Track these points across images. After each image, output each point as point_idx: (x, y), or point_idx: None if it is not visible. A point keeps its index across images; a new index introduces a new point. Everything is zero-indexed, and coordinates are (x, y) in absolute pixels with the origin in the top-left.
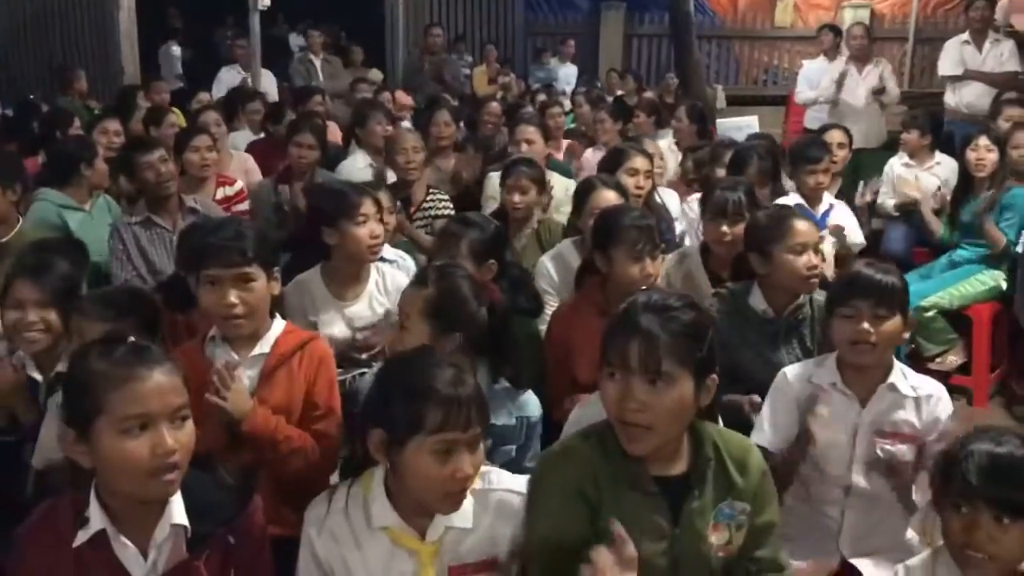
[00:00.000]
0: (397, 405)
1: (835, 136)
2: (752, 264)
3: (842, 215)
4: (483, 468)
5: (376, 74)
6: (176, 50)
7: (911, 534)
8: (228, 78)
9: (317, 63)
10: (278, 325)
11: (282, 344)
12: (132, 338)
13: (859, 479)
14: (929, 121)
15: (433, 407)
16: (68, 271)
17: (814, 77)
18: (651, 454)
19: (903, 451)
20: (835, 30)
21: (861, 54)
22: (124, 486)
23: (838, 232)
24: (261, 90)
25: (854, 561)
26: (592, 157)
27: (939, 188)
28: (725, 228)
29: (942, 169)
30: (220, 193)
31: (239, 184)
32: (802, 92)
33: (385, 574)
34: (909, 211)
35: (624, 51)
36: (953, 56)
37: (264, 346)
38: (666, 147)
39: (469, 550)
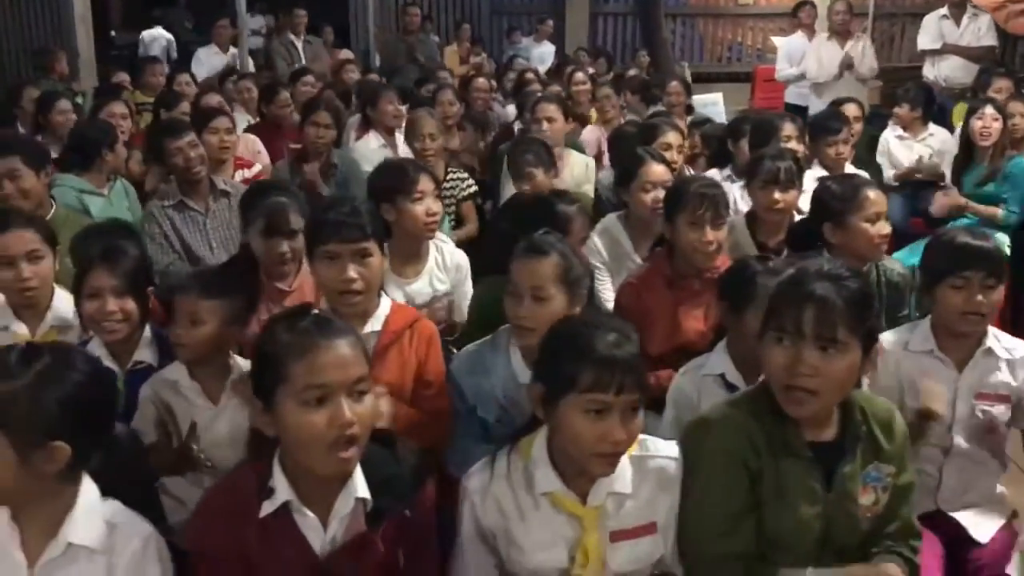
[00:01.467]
0: (556, 362)
1: (851, 110)
2: (824, 233)
3: None
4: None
5: (347, 54)
6: (167, 35)
7: (1001, 488)
8: (207, 59)
9: (299, 44)
10: (386, 303)
11: (392, 322)
12: (317, 310)
13: (959, 440)
14: (921, 93)
15: (588, 366)
16: (139, 256)
17: (795, 53)
18: (806, 420)
19: (1001, 411)
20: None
21: (843, 30)
22: (303, 458)
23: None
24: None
25: (952, 514)
26: (590, 134)
27: (930, 156)
28: (777, 195)
29: (935, 140)
30: (239, 175)
31: (257, 166)
32: (783, 69)
33: (548, 540)
34: (906, 182)
35: (589, 30)
36: (932, 30)
37: (375, 324)
38: None
39: (629, 515)
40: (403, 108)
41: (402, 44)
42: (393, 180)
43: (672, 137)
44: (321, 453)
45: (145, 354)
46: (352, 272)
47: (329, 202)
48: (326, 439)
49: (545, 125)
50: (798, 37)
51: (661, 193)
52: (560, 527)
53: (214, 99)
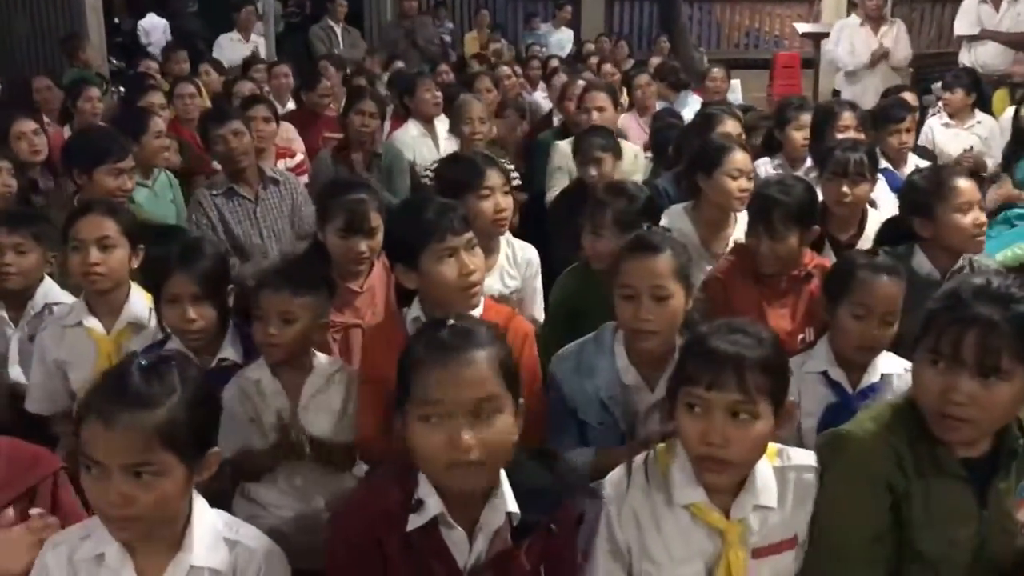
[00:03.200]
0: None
1: (908, 99)
2: (915, 228)
3: None
4: (777, 445)
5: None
6: (163, 21)
7: None
8: (229, 47)
9: (338, 30)
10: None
11: (487, 319)
12: (452, 321)
13: None
14: (970, 78)
15: (689, 359)
16: (216, 256)
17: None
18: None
19: None
20: None
21: (876, 15)
22: (427, 473)
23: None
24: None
25: None
26: (627, 122)
27: (970, 148)
28: (846, 188)
29: (983, 128)
30: (280, 165)
31: (299, 156)
32: (830, 51)
33: (685, 555)
34: None
35: (606, 15)
36: (970, 15)
37: None
38: (690, 112)
39: (772, 529)
40: (439, 95)
41: (400, 30)
42: (460, 174)
43: (731, 126)
44: (439, 471)
45: (229, 352)
46: (471, 264)
47: (417, 202)
48: (443, 459)
49: (595, 115)
50: (853, 19)
51: (745, 181)
52: (699, 541)
53: (246, 87)
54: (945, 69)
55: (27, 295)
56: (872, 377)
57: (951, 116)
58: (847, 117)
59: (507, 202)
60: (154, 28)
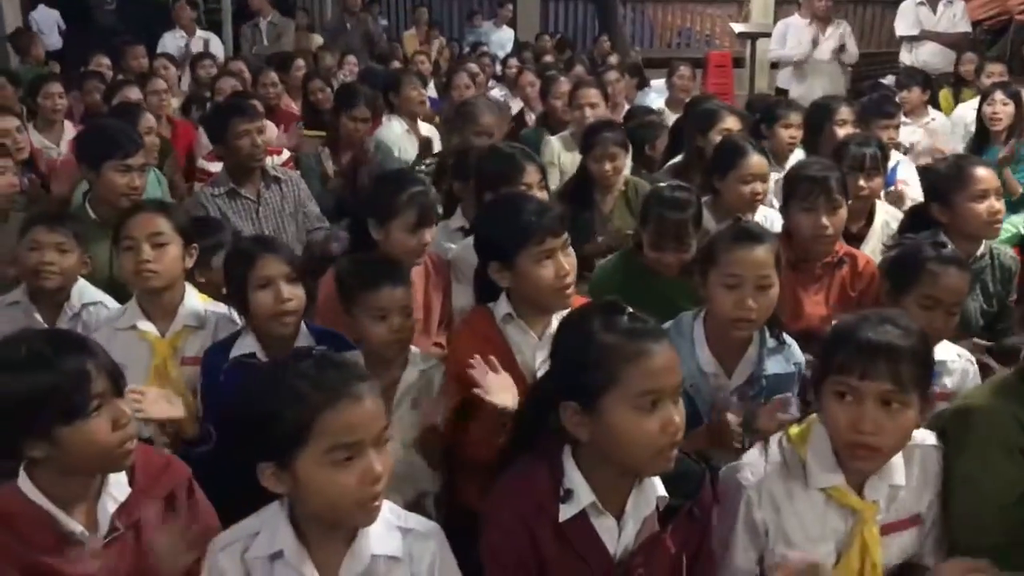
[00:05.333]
0: (824, 348)
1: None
2: (933, 213)
3: (908, 171)
4: None
5: (318, 40)
6: (55, 13)
7: None
8: (173, 44)
9: (263, 24)
10: None
11: None
12: (630, 308)
13: None
14: (922, 78)
15: (839, 348)
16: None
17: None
18: None
19: None
20: None
21: (824, 15)
22: (628, 460)
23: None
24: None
25: None
26: None
27: (917, 141)
28: (863, 182)
29: (936, 125)
30: (268, 162)
31: (286, 154)
32: (772, 49)
33: (819, 534)
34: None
35: (541, 14)
36: (909, 17)
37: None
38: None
39: (900, 507)
40: (424, 93)
41: (349, 26)
42: (500, 167)
43: (732, 122)
44: (650, 458)
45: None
46: (567, 264)
47: (513, 201)
48: (659, 444)
49: (588, 112)
50: (796, 18)
51: (759, 185)
52: (833, 521)
53: (228, 83)
54: (880, 68)
55: (62, 296)
56: None
57: (907, 114)
58: (844, 112)
59: (544, 197)
60: (44, 20)
